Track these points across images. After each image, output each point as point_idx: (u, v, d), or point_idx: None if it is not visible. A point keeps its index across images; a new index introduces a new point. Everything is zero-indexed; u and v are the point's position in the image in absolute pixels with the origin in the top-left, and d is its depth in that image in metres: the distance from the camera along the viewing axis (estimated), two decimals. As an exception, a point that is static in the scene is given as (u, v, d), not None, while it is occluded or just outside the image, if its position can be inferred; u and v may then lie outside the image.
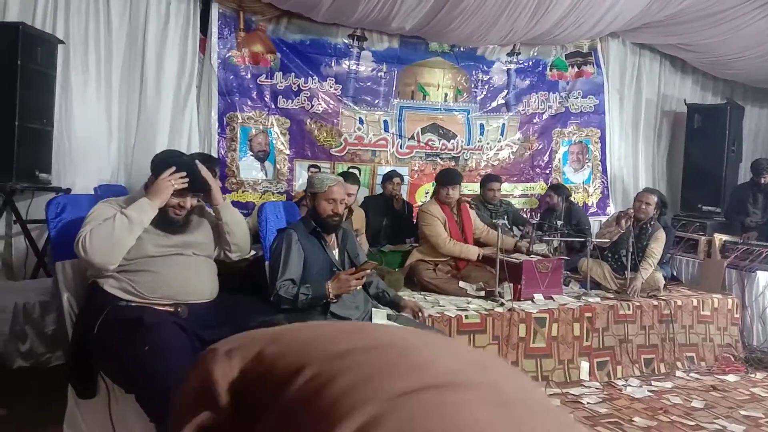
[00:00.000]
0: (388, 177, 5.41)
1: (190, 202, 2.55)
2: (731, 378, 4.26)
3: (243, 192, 5.30)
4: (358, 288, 2.92)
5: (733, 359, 4.59)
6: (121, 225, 2.33)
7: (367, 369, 0.41)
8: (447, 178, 4.52)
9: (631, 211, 4.62)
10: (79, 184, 4.37)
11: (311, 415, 0.39)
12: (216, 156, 5.09)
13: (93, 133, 4.57)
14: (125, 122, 4.79)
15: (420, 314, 3.27)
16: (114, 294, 2.38)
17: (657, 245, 4.63)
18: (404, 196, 5.67)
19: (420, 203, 5.62)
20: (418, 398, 0.38)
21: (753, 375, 4.35)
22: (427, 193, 5.78)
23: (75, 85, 4.47)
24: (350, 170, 5.63)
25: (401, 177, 5.52)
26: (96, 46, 4.59)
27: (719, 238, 5.36)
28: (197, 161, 2.65)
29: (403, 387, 0.39)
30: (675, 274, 5.46)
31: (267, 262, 3.08)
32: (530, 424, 0.40)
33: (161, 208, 2.48)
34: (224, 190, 5.16)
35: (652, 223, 4.68)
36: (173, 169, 2.46)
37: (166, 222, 2.51)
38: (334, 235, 3.08)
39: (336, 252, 3.06)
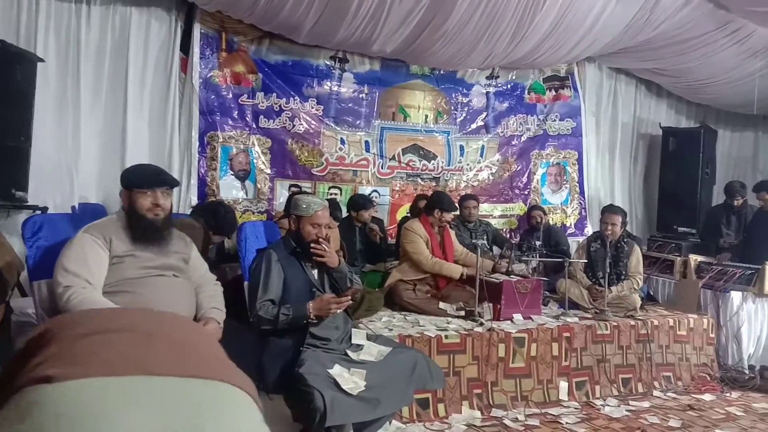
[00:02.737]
0: (362, 206, 5.14)
1: (166, 200, 2.53)
2: (707, 397, 4.31)
3: (223, 211, 5.26)
4: (339, 311, 2.92)
5: (709, 378, 4.64)
6: None
7: (66, 323, 0.62)
8: (449, 205, 4.52)
9: (608, 232, 4.67)
10: (56, 202, 4.34)
11: (22, 358, 0.58)
12: (197, 174, 5.09)
13: (72, 152, 4.54)
14: (105, 141, 4.77)
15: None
16: (91, 315, 2.35)
17: (638, 265, 4.71)
18: (385, 217, 5.66)
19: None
20: (87, 338, 0.58)
21: (728, 394, 4.40)
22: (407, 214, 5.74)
23: (54, 103, 4.46)
24: (331, 194, 5.60)
25: (372, 202, 5.33)
26: (76, 64, 4.58)
27: (694, 258, 5.44)
28: None
29: (80, 332, 0.59)
30: (651, 293, 5.53)
31: (246, 282, 3.07)
32: (163, 344, 0.60)
33: (140, 218, 2.47)
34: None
35: (625, 240, 4.75)
36: None
37: (148, 233, 2.50)
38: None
39: (315, 272, 3.05)
